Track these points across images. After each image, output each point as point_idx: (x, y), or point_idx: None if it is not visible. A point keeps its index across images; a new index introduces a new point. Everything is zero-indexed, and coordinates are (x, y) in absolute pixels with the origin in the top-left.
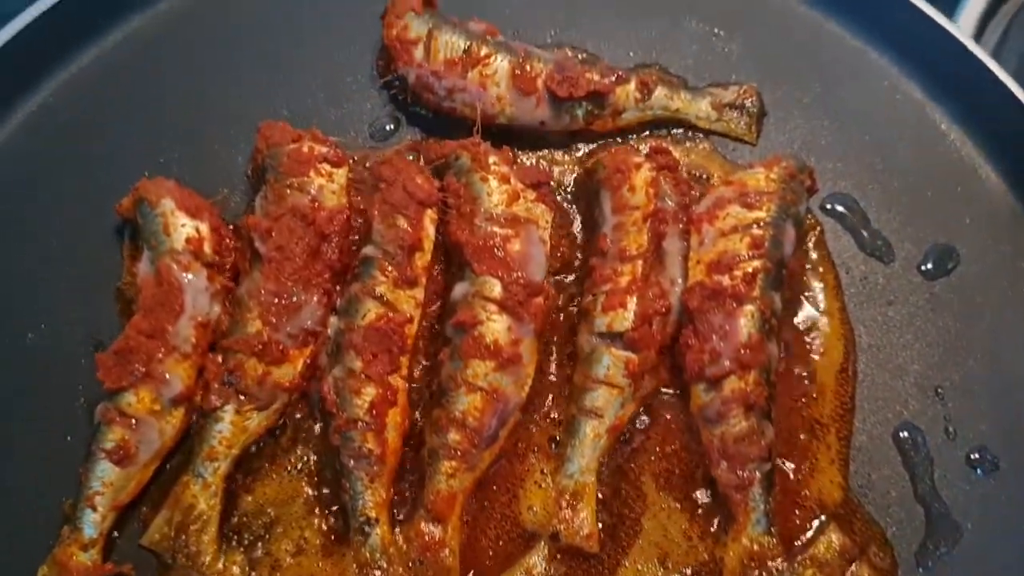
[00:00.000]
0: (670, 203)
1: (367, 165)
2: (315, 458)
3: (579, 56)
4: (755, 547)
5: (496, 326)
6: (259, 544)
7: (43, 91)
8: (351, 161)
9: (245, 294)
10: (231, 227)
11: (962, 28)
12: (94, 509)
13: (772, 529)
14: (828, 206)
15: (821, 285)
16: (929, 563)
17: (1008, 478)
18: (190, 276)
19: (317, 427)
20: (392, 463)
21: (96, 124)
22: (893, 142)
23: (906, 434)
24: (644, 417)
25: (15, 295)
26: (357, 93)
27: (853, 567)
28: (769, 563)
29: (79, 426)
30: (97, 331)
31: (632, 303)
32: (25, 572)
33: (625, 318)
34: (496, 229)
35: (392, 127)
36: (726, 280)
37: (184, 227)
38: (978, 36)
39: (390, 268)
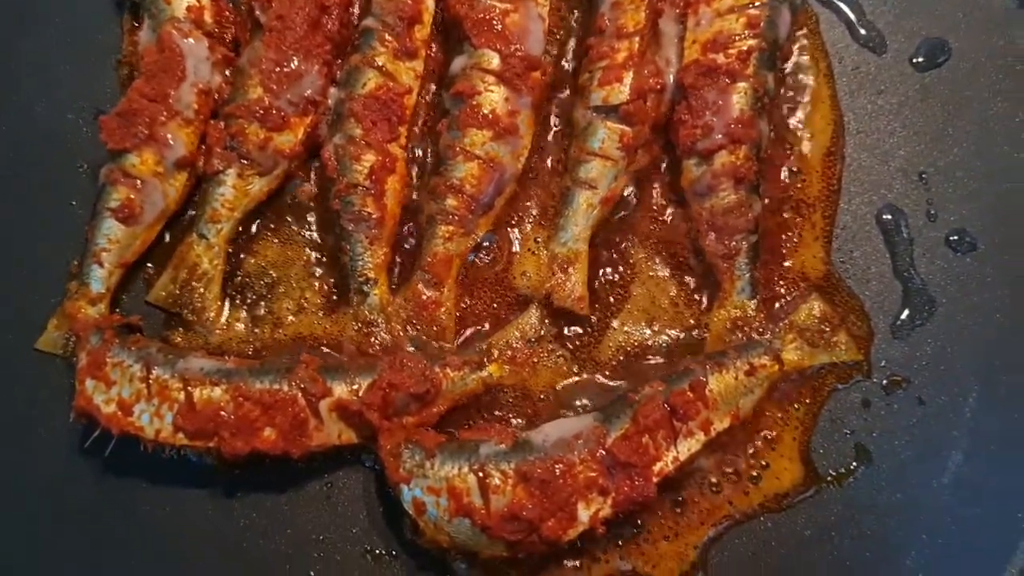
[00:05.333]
0: None
1: None
2: (314, 224)
3: None
4: (739, 313)
5: (494, 96)
6: (261, 303)
7: None
8: None
9: (247, 63)
10: (230, 1)
11: None
12: (100, 265)
13: (756, 297)
14: None
15: (813, 72)
16: (904, 332)
17: (984, 258)
18: (191, 42)
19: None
20: (391, 227)
21: None
22: None
23: (889, 216)
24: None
25: (21, 70)
26: None
27: (832, 334)
28: (752, 327)
29: (83, 190)
30: (99, 101)
31: (628, 77)
32: (34, 324)
33: (621, 91)
34: (495, 3)
35: None
36: (721, 58)
37: None
38: None
39: (389, 39)
